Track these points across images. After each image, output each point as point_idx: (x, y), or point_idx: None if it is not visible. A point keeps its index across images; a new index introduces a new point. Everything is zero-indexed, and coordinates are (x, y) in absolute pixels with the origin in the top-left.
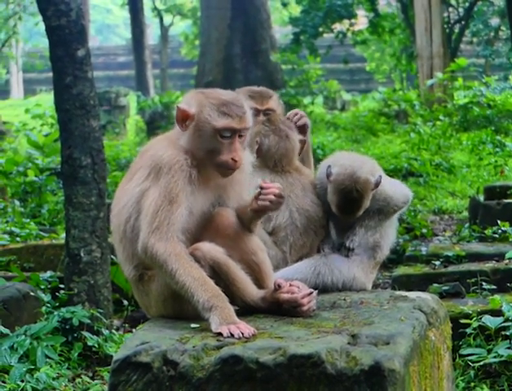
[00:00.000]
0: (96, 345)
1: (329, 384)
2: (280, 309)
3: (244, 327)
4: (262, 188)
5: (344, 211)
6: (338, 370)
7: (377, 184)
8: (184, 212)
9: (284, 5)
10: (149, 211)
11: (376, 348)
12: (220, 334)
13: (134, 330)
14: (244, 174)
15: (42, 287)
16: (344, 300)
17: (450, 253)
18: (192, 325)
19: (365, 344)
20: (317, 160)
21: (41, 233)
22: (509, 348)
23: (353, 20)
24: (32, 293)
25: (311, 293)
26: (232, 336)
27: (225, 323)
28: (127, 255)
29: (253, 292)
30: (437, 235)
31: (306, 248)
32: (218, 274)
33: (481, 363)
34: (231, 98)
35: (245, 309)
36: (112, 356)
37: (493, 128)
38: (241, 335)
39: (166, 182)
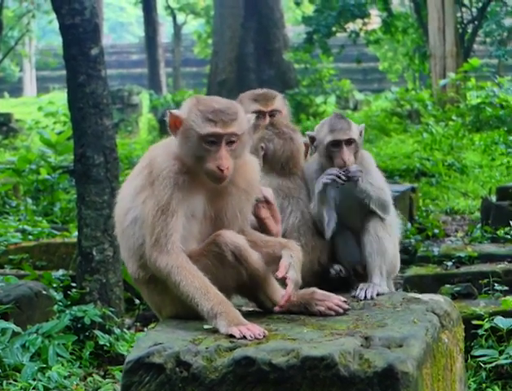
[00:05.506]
0: (108, 344)
1: (342, 387)
2: (301, 306)
3: (254, 328)
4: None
5: (335, 132)
6: (351, 372)
7: (361, 132)
8: (181, 220)
9: (298, 4)
10: (148, 222)
11: (389, 350)
12: (232, 336)
13: (145, 329)
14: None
15: (54, 285)
16: (357, 301)
17: (462, 254)
18: (205, 326)
19: (378, 346)
20: None
21: (54, 231)
22: None
23: (366, 20)
24: (44, 292)
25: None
26: (245, 337)
27: (233, 325)
28: (132, 254)
29: (274, 283)
30: (449, 236)
31: (317, 251)
32: (240, 261)
33: (493, 364)
34: (222, 106)
35: (261, 309)
36: (123, 355)
37: (506, 128)
38: (253, 336)
39: (158, 191)
